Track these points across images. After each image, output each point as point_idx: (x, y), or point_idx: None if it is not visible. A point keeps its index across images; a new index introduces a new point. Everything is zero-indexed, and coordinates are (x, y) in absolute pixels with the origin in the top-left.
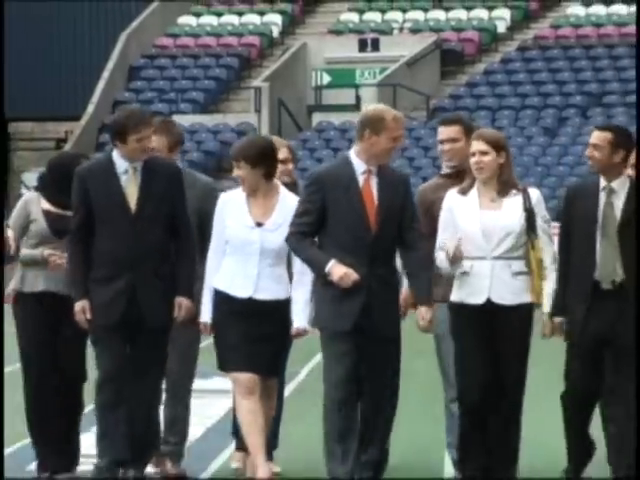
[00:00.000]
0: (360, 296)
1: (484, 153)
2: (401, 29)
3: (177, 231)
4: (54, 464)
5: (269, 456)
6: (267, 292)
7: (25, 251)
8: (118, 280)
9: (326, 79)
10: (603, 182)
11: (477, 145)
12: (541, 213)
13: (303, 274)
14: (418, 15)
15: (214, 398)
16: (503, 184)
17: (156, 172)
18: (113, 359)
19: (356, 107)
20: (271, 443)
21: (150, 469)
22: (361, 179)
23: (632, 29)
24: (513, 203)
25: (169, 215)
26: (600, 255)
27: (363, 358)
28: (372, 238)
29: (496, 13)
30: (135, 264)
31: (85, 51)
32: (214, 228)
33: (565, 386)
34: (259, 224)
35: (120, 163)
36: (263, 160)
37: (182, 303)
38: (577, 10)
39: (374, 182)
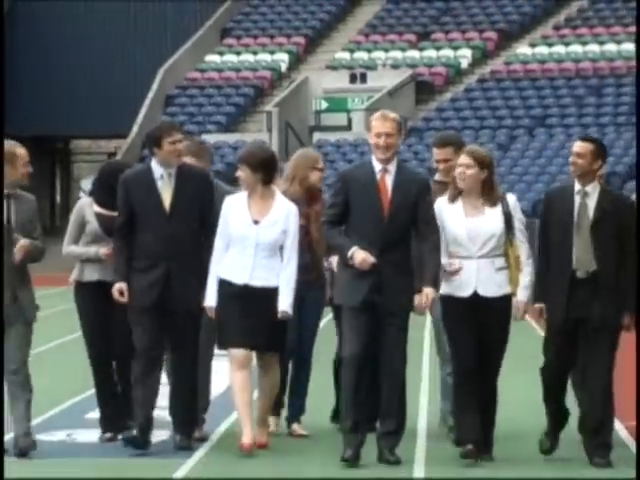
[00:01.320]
0: (371, 277)
1: (468, 166)
2: (384, 65)
3: (204, 228)
4: (112, 424)
5: (297, 420)
6: (261, 280)
7: (81, 249)
8: (155, 270)
9: (324, 105)
10: (578, 186)
11: (463, 159)
12: (517, 216)
13: (287, 265)
14: (397, 54)
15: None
16: (486, 197)
17: (188, 177)
18: (148, 335)
19: (348, 128)
20: (300, 409)
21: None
22: (378, 176)
23: (570, 65)
24: (494, 209)
25: (198, 215)
26: (576, 249)
27: (377, 330)
28: (384, 227)
29: (460, 52)
30: (169, 256)
31: (131, 83)
32: (219, 225)
33: (544, 361)
34: (256, 222)
35: (157, 170)
36: (262, 167)
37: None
38: (525, 50)
39: (389, 180)
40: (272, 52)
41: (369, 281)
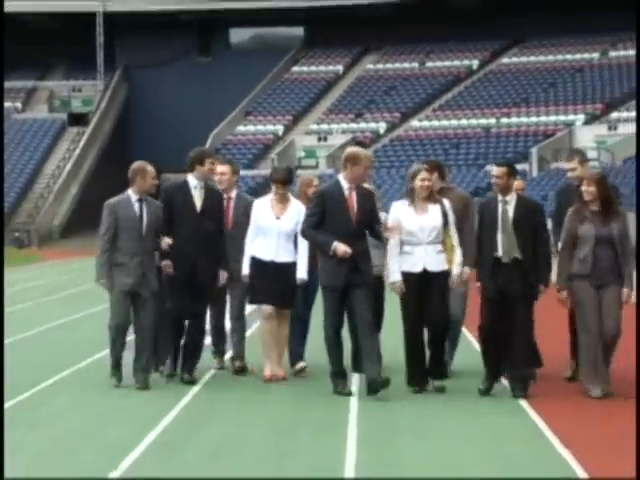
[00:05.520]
0: (347, 263)
1: (424, 179)
2: (337, 132)
3: (220, 224)
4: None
5: (301, 359)
6: (282, 257)
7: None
8: (188, 254)
9: (302, 154)
10: (500, 197)
11: (424, 175)
12: (450, 214)
13: (300, 246)
14: (344, 126)
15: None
16: (429, 197)
17: (211, 191)
18: (181, 302)
19: (316, 167)
20: (299, 353)
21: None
22: (346, 193)
23: (450, 132)
24: (435, 209)
25: (220, 215)
26: (501, 242)
27: (353, 302)
28: (353, 228)
29: (380, 125)
30: (198, 244)
31: (196, 139)
32: (251, 220)
33: (480, 323)
34: (278, 217)
35: (192, 182)
36: (285, 182)
37: (223, 274)
38: (423, 123)
39: (354, 195)
40: (274, 124)
41: (349, 265)
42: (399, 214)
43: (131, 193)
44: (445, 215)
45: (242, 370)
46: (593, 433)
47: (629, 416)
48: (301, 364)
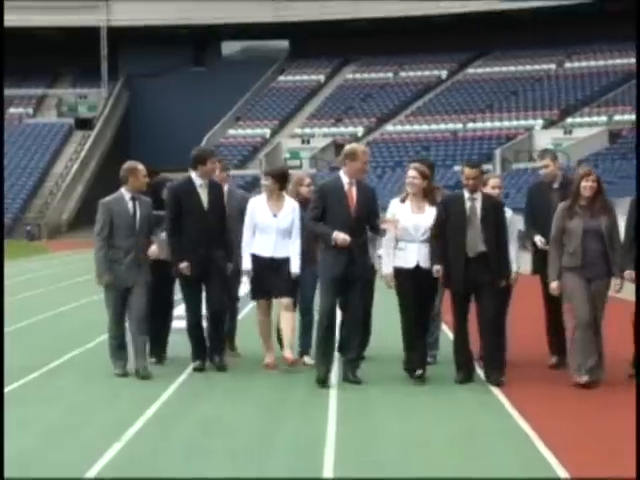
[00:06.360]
0: (346, 255)
1: (415, 177)
2: (319, 135)
3: (225, 219)
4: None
5: (307, 352)
6: (280, 253)
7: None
8: (198, 249)
9: (288, 156)
10: (467, 194)
11: (412, 172)
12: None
13: (294, 242)
14: (326, 130)
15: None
16: (425, 199)
17: (215, 188)
18: (196, 296)
19: (300, 168)
20: (307, 345)
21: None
22: (346, 187)
23: (420, 135)
24: (431, 210)
25: (222, 211)
26: (469, 237)
27: (348, 292)
28: (352, 221)
29: (357, 129)
30: (206, 239)
31: (192, 140)
32: (247, 217)
33: (453, 317)
34: (275, 215)
35: (197, 180)
36: (279, 178)
37: (231, 265)
38: (397, 128)
39: (354, 190)
40: (262, 128)
41: (344, 258)
42: (396, 211)
43: (124, 192)
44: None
45: (234, 357)
46: (558, 413)
47: (603, 403)
48: (307, 359)
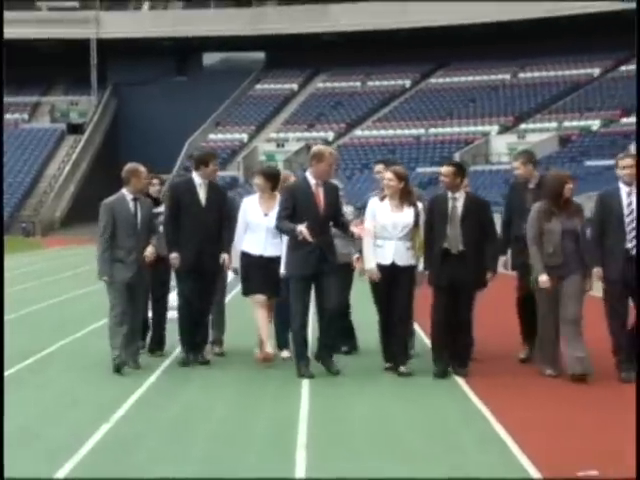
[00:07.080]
0: (315, 253)
1: (391, 179)
2: (293, 139)
3: (223, 217)
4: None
5: (286, 346)
6: (270, 251)
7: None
8: (195, 244)
9: (264, 158)
10: (449, 194)
11: (389, 175)
12: (422, 216)
13: (284, 242)
14: (299, 135)
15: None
16: (403, 199)
17: (214, 187)
18: (190, 290)
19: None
20: (285, 341)
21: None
22: (313, 188)
23: (387, 140)
24: (408, 209)
25: (220, 209)
26: (450, 235)
27: (320, 288)
28: (320, 220)
29: (328, 134)
30: (203, 235)
31: (175, 145)
32: (239, 216)
33: (433, 311)
34: (266, 214)
35: (197, 180)
36: (271, 178)
37: (225, 257)
38: (365, 133)
39: (321, 190)
40: (240, 133)
41: (314, 256)
42: (375, 208)
43: (126, 192)
44: (417, 216)
45: (221, 355)
46: (517, 399)
47: (568, 396)
48: (285, 353)
